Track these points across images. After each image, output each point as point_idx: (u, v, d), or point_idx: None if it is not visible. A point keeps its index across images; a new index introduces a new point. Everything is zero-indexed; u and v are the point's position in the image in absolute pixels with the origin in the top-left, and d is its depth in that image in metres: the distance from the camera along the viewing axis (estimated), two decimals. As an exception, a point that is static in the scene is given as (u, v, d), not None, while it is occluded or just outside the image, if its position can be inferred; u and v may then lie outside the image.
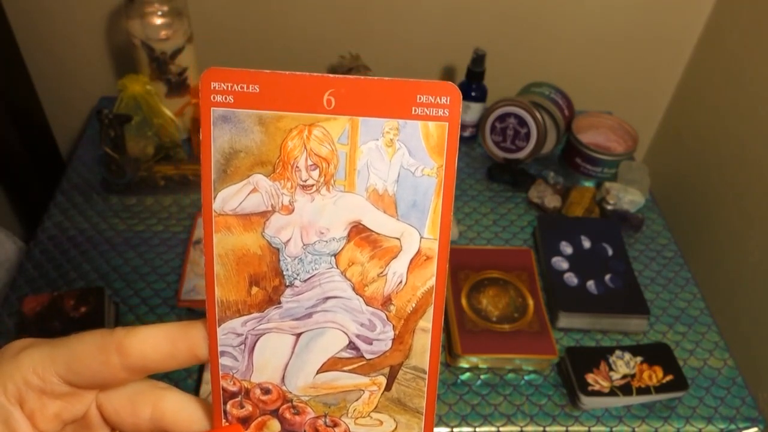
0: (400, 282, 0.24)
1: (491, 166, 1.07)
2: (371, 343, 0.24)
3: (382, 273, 0.24)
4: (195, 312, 0.83)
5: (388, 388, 0.25)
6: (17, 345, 0.24)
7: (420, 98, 0.22)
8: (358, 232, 0.23)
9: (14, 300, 0.84)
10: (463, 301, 0.83)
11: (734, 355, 0.85)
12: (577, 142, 1.06)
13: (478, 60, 1.05)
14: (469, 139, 1.13)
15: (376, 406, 0.25)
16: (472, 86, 1.07)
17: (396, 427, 0.25)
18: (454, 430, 0.75)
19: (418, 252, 0.23)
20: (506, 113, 1.04)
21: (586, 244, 0.93)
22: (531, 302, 0.84)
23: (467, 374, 0.80)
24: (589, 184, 1.07)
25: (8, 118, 1.06)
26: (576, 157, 1.07)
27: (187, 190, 0.99)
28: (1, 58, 1.07)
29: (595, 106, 1.18)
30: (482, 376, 0.80)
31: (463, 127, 1.11)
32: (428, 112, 0.22)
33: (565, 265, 0.90)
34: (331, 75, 0.22)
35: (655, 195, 1.09)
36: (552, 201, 1.01)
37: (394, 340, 0.24)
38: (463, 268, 0.87)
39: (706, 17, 1.15)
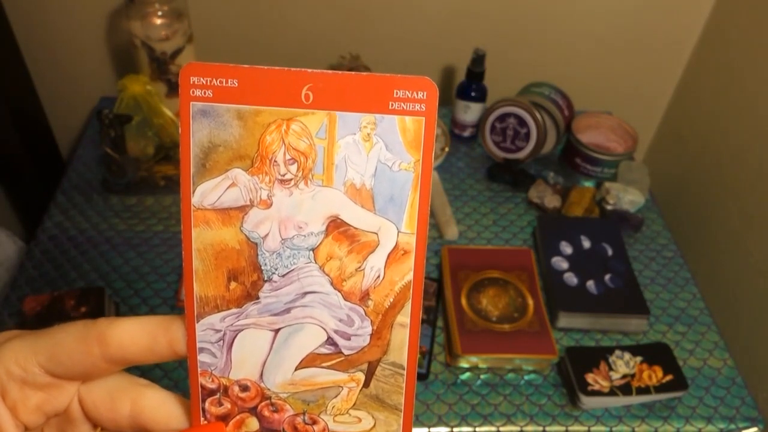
0: (378, 276, 0.24)
1: (491, 166, 1.07)
2: (349, 339, 0.24)
3: (359, 267, 0.24)
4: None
5: (366, 384, 0.25)
6: (1, 337, 0.24)
7: (397, 93, 0.22)
8: (336, 226, 0.23)
9: (15, 300, 0.84)
10: (463, 301, 0.83)
11: (734, 355, 0.85)
12: (577, 142, 1.06)
13: (478, 60, 1.05)
14: (469, 139, 1.13)
15: (354, 403, 0.25)
16: (472, 86, 1.07)
17: (374, 425, 0.25)
18: (454, 429, 0.75)
19: (396, 246, 0.23)
20: (506, 113, 1.04)
21: (586, 244, 0.93)
22: (531, 302, 0.84)
23: (467, 374, 0.80)
24: (588, 184, 1.07)
25: (8, 118, 1.06)
26: (576, 157, 1.08)
27: (187, 190, 0.99)
28: (1, 58, 1.07)
29: (595, 106, 1.18)
30: (482, 376, 0.80)
31: (463, 127, 1.11)
32: (405, 107, 0.22)
33: (564, 265, 0.90)
34: (309, 70, 0.22)
35: (655, 195, 1.09)
36: (552, 201, 1.01)
37: (372, 335, 0.24)
38: (463, 268, 0.88)
39: (706, 17, 1.15)
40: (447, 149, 1.09)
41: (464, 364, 0.80)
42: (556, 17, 1.15)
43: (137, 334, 0.24)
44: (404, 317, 0.24)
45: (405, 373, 0.25)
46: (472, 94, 1.07)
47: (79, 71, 1.18)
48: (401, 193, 0.23)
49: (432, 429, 0.75)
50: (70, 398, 0.25)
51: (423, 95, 0.22)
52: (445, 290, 0.85)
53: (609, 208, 1.00)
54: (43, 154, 1.21)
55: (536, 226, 0.97)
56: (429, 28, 1.16)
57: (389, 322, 0.24)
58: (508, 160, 1.07)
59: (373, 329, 0.24)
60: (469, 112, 1.09)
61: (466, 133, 1.12)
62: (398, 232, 0.23)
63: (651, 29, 1.17)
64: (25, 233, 1.24)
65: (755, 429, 0.77)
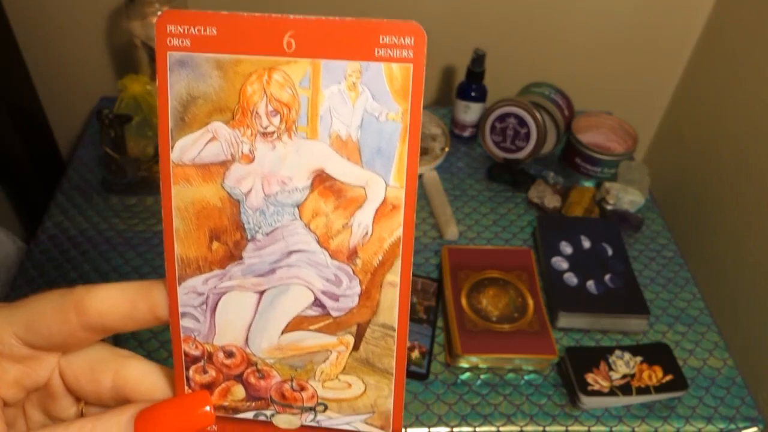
0: (366, 233, 0.22)
1: (491, 166, 1.07)
2: (337, 300, 0.23)
3: (347, 224, 0.22)
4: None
5: (356, 347, 0.24)
6: None
7: (383, 39, 0.21)
8: (321, 180, 0.22)
9: (15, 300, 0.84)
10: (463, 301, 0.83)
11: (734, 355, 0.84)
12: (577, 142, 1.06)
13: (478, 60, 1.05)
14: (469, 139, 1.13)
15: (344, 368, 0.24)
16: (472, 86, 1.07)
17: (365, 390, 0.24)
18: (454, 430, 0.75)
19: (384, 201, 0.22)
20: (506, 113, 1.04)
21: (586, 244, 0.93)
22: (531, 302, 0.84)
23: (467, 374, 0.80)
24: (588, 184, 1.07)
25: (8, 119, 1.06)
26: (576, 157, 1.08)
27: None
28: (1, 58, 1.07)
29: (595, 106, 1.18)
30: (482, 376, 0.80)
31: (463, 127, 1.11)
32: (392, 54, 0.21)
33: (564, 265, 0.90)
34: (290, 16, 0.21)
35: (655, 195, 1.09)
36: (552, 201, 1.01)
37: (360, 295, 0.23)
38: (463, 268, 0.87)
39: (706, 17, 1.15)
40: (447, 149, 1.09)
41: (464, 364, 0.80)
42: (556, 17, 1.15)
43: (116, 301, 0.23)
44: (394, 276, 0.23)
45: (396, 334, 0.23)
46: (472, 94, 1.07)
47: (79, 71, 1.18)
48: (389, 145, 0.22)
49: (432, 429, 0.75)
50: (50, 371, 0.24)
51: (410, 41, 0.21)
52: (445, 290, 0.85)
53: (609, 208, 1.00)
54: (43, 154, 1.21)
55: (536, 226, 0.97)
56: (429, 28, 1.14)
57: (378, 281, 0.23)
58: (508, 160, 1.07)
59: (361, 289, 0.23)
60: (469, 112, 1.09)
61: (466, 133, 1.12)
62: (386, 185, 0.22)
63: (651, 29, 1.17)
64: (25, 233, 1.24)
65: (755, 429, 0.77)
